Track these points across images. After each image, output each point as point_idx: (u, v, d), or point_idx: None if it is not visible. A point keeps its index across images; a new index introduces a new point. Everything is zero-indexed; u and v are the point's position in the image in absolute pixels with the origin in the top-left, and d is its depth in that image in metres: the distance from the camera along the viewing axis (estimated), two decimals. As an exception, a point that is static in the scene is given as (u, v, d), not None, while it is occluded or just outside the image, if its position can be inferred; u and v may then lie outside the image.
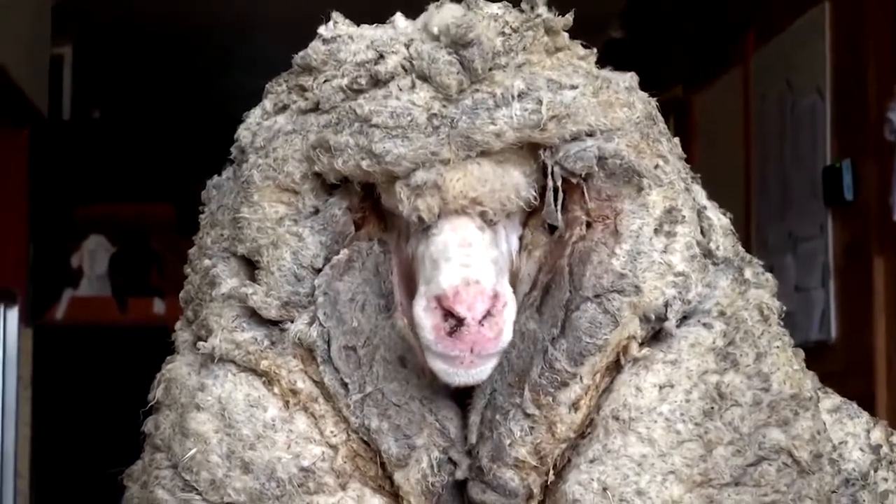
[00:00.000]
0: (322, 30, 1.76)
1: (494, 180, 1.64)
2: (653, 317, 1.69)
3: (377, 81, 1.67)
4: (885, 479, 1.90)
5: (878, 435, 1.92)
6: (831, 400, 1.93)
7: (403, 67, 1.66)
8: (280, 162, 1.72)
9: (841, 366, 4.69)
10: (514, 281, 1.69)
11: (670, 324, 1.70)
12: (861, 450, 1.89)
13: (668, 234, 1.71)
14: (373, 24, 1.78)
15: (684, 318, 1.72)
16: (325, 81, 1.71)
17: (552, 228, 1.71)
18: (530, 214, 1.72)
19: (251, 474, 1.67)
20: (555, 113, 1.64)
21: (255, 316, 1.73)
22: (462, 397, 1.70)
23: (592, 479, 1.64)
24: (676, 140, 1.85)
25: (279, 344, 1.71)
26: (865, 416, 1.95)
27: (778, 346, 1.75)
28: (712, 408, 1.67)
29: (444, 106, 1.63)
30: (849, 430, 1.91)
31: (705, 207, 1.82)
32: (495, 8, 1.72)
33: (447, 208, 1.63)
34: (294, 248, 1.70)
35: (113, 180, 8.79)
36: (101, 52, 8.56)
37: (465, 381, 1.63)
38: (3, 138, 6.72)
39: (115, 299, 8.18)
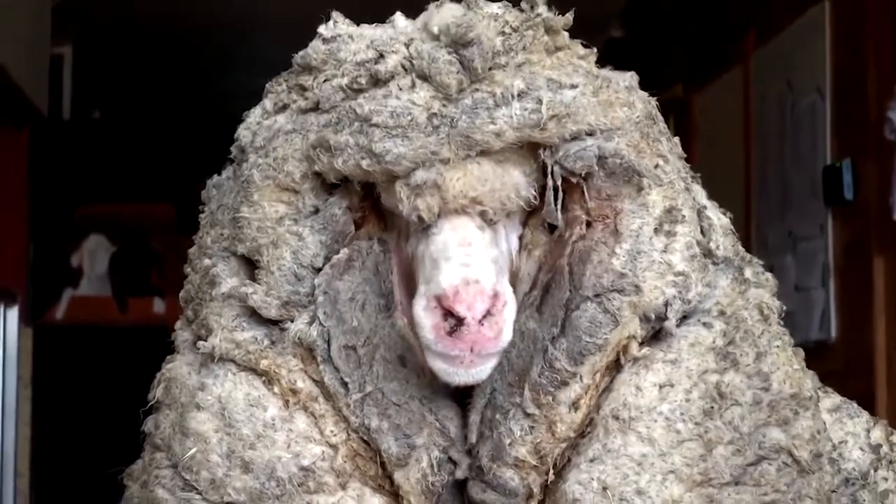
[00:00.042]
0: (322, 29, 1.76)
1: (494, 180, 1.64)
2: (653, 316, 1.69)
3: (377, 81, 1.67)
4: (885, 479, 1.89)
5: (878, 434, 1.92)
6: (831, 399, 1.93)
7: (403, 67, 1.66)
8: (280, 161, 1.72)
9: (841, 365, 4.69)
10: (514, 280, 1.69)
11: (670, 323, 1.70)
12: (861, 449, 1.89)
13: (668, 234, 1.71)
14: (373, 23, 1.78)
15: (684, 318, 1.72)
16: (325, 81, 1.71)
17: (552, 228, 1.71)
18: (530, 214, 1.72)
19: (251, 474, 1.67)
20: (555, 112, 1.64)
21: (255, 315, 1.73)
22: (462, 397, 1.70)
23: (592, 479, 1.64)
24: (676, 140, 1.85)
25: (279, 343, 1.71)
26: (865, 415, 1.95)
27: (778, 346, 1.75)
28: (712, 407, 1.67)
29: (444, 105, 1.63)
30: (849, 429, 1.90)
31: (705, 207, 1.82)
32: (495, 7, 1.72)
33: (447, 208, 1.63)
34: (294, 248, 1.70)
35: (113, 180, 8.81)
36: (101, 52, 8.55)
37: (465, 381, 1.63)
38: (3, 138, 6.72)
39: (115, 299, 8.19)
